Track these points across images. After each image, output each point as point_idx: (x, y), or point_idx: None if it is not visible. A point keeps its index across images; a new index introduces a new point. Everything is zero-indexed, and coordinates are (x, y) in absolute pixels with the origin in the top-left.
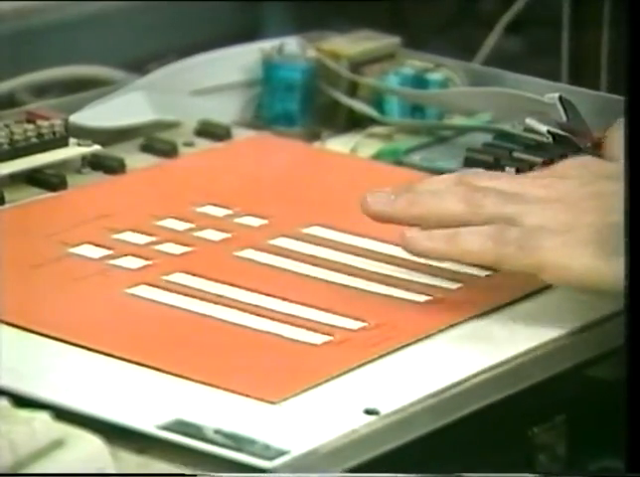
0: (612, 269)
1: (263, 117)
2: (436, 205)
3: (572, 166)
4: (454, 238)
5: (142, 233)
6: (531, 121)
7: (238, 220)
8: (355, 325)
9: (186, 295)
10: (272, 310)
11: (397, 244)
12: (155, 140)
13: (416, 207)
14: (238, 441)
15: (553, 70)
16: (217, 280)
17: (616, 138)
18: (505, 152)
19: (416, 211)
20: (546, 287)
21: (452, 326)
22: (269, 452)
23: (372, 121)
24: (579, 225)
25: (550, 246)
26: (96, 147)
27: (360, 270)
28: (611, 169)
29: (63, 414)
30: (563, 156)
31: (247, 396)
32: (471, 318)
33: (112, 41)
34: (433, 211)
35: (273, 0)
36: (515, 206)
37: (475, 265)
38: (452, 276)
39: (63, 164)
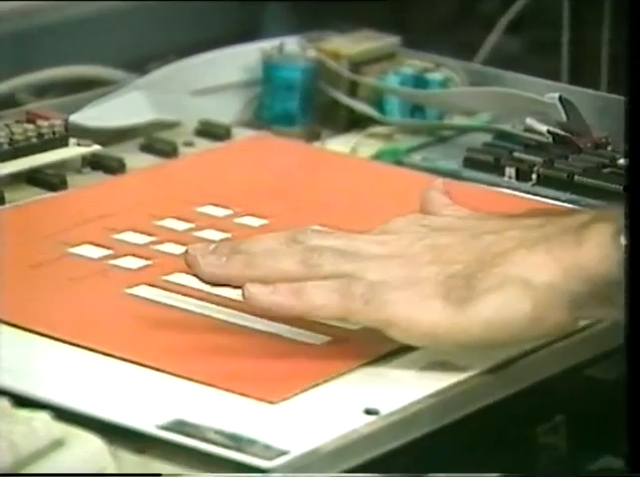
0: (462, 321)
1: (263, 117)
2: (273, 266)
3: (402, 223)
4: (300, 292)
5: (142, 232)
6: (531, 121)
7: (237, 220)
8: (355, 325)
9: (186, 295)
10: None
11: None
12: (155, 140)
13: (253, 269)
14: (238, 441)
15: (553, 70)
16: None
17: (434, 196)
18: (505, 152)
19: (254, 273)
20: None
21: None
22: (269, 452)
23: (372, 121)
24: (421, 278)
25: (396, 301)
26: (96, 147)
27: None
28: (441, 222)
29: (63, 414)
30: (563, 156)
31: (247, 396)
32: None
33: (112, 41)
34: (271, 273)
35: (273, 0)
36: (353, 264)
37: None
38: None
39: (63, 164)
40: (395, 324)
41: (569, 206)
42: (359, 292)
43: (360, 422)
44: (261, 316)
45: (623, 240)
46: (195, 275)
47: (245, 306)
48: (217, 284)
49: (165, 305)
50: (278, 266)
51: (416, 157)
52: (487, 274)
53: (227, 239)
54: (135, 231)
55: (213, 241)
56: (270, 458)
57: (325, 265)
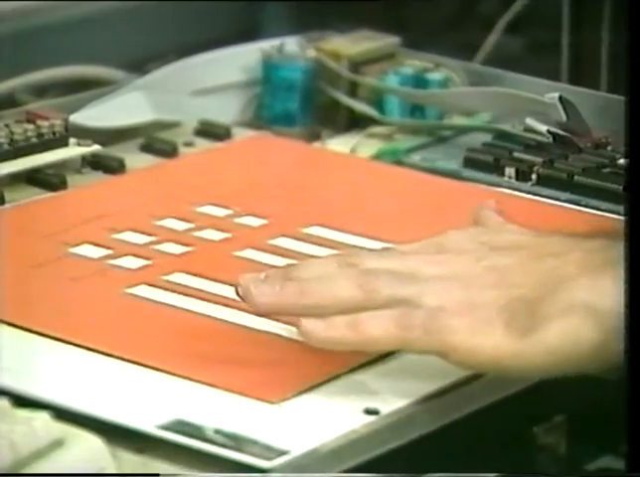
0: (525, 348)
1: (263, 117)
2: (329, 292)
3: (459, 238)
4: (356, 324)
5: (142, 232)
6: (531, 121)
7: (237, 220)
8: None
9: (186, 295)
10: None
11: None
12: (155, 140)
13: (308, 297)
14: (238, 441)
15: (553, 70)
16: (216, 280)
17: (488, 215)
18: (505, 152)
19: (309, 301)
20: None
21: None
22: (269, 452)
23: (372, 121)
24: (482, 303)
25: (456, 328)
26: (96, 147)
27: None
28: (500, 240)
29: (63, 414)
30: (563, 156)
31: (247, 396)
32: None
33: (112, 41)
34: (327, 299)
35: (273, 0)
36: (410, 286)
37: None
38: None
39: (63, 164)
40: (455, 352)
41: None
42: (417, 322)
43: (360, 422)
44: (322, 347)
45: None
46: (249, 306)
47: (302, 339)
48: (272, 314)
49: (165, 305)
50: (334, 293)
51: (416, 157)
52: (551, 300)
53: (227, 240)
54: (135, 231)
55: (263, 269)
56: (270, 458)
57: (383, 289)
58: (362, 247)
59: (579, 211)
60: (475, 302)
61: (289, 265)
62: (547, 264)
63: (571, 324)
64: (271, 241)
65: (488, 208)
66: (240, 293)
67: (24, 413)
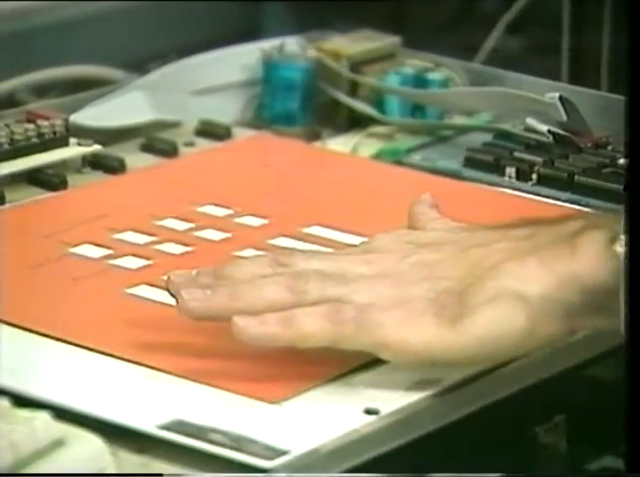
0: (455, 338)
1: (264, 117)
2: (259, 296)
3: (386, 239)
4: (289, 321)
5: (142, 232)
6: (531, 121)
7: (238, 220)
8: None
9: None
10: None
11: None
12: (155, 140)
13: (239, 301)
14: (238, 441)
15: (553, 70)
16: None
17: (420, 212)
18: (505, 152)
19: (240, 305)
20: None
21: None
22: (270, 452)
23: (372, 121)
24: (412, 297)
25: (386, 323)
26: (97, 147)
27: None
28: (427, 237)
29: (63, 414)
30: (564, 156)
31: (248, 396)
32: None
33: (112, 41)
34: (257, 303)
35: (273, 0)
36: (340, 287)
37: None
38: None
39: (63, 164)
40: (387, 346)
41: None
42: (348, 317)
43: (360, 422)
44: (252, 347)
45: (617, 248)
46: (181, 311)
47: (235, 336)
48: (203, 318)
49: (165, 305)
50: (264, 296)
51: (416, 157)
52: (478, 289)
53: (227, 240)
54: (135, 230)
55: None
56: (271, 458)
57: (312, 291)
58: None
59: (580, 211)
60: (404, 297)
61: (220, 265)
62: (473, 255)
63: (500, 311)
64: (271, 241)
65: (423, 203)
66: (172, 291)
67: (24, 413)
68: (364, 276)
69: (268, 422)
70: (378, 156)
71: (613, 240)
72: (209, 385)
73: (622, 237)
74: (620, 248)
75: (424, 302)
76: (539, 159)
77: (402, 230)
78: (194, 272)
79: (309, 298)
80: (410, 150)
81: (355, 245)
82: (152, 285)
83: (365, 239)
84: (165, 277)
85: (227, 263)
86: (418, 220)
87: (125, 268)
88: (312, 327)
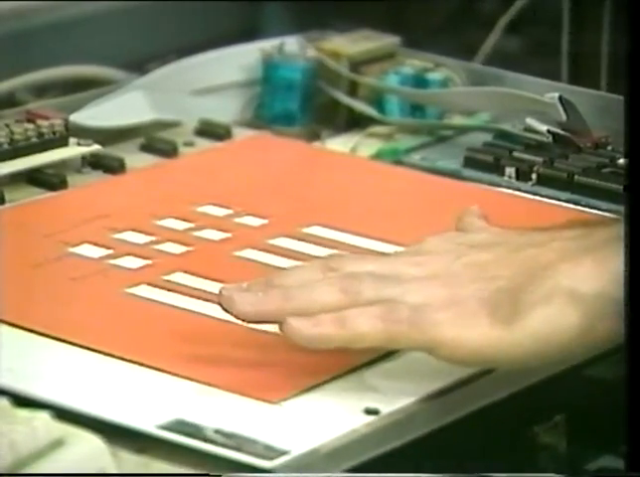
0: (510, 337)
1: (263, 117)
2: (312, 298)
3: (437, 241)
4: (343, 321)
5: (142, 232)
6: (531, 121)
7: (238, 219)
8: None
9: (186, 295)
10: None
11: (397, 244)
12: (155, 140)
13: (292, 302)
14: (238, 441)
15: (553, 70)
16: (217, 280)
17: (470, 222)
18: (505, 152)
19: (293, 306)
20: None
21: None
22: (270, 452)
23: (372, 121)
24: (465, 297)
25: (441, 322)
26: (96, 147)
27: None
28: (478, 239)
29: (63, 414)
30: (563, 156)
31: (248, 396)
32: None
33: (112, 41)
34: (311, 304)
35: (273, 0)
36: (393, 288)
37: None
38: None
39: (63, 164)
40: (442, 344)
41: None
42: (403, 316)
43: (360, 422)
44: (308, 345)
45: None
46: (233, 315)
47: (289, 338)
48: (256, 321)
49: (165, 305)
50: (318, 297)
51: (416, 157)
52: (533, 288)
53: (227, 239)
54: (135, 230)
55: (264, 269)
56: (271, 458)
57: (366, 292)
58: (361, 248)
59: (579, 211)
60: (458, 297)
61: (271, 274)
62: (526, 254)
63: (555, 310)
64: (271, 241)
65: (471, 214)
66: (223, 304)
67: (24, 413)
68: (417, 277)
69: (268, 422)
70: (377, 156)
71: None
72: (209, 385)
73: None
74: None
75: (478, 301)
76: (538, 159)
77: (453, 232)
78: (245, 285)
79: (363, 299)
80: (410, 150)
81: (404, 250)
82: (152, 285)
83: (418, 243)
84: (217, 292)
85: (278, 272)
86: (467, 229)
87: (125, 268)
88: (366, 327)
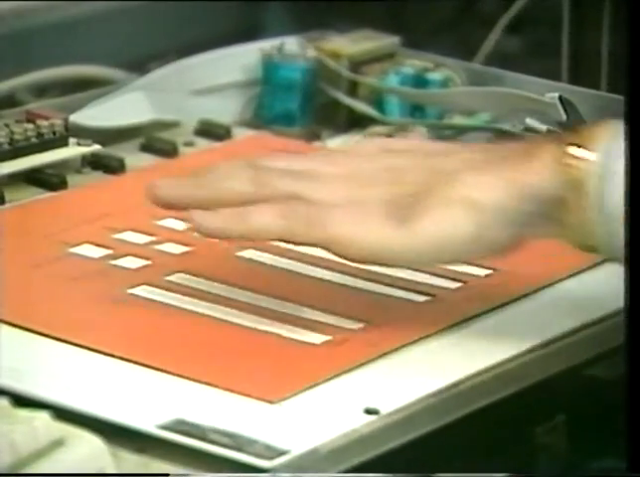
0: (403, 237)
1: (263, 117)
2: (223, 186)
3: (364, 144)
4: (243, 215)
5: (142, 232)
6: (531, 121)
7: None
8: (355, 325)
9: (186, 295)
10: (272, 310)
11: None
12: (155, 140)
13: (203, 190)
14: (238, 441)
15: (553, 70)
16: (217, 280)
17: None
18: None
19: (203, 193)
20: (544, 287)
21: (452, 326)
22: (269, 452)
23: (372, 121)
24: (369, 198)
25: (339, 220)
26: (96, 147)
27: (360, 270)
28: (400, 145)
29: (63, 414)
30: None
31: (247, 395)
32: (471, 318)
33: (112, 41)
34: (220, 192)
35: (273, 0)
36: (301, 183)
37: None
38: (451, 276)
39: (63, 164)
40: (337, 242)
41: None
42: (302, 213)
43: (360, 422)
44: (208, 237)
45: (569, 160)
46: (150, 199)
47: (192, 229)
48: (169, 207)
49: (165, 305)
50: (227, 186)
51: None
52: (432, 193)
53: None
54: (135, 231)
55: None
56: (271, 458)
57: (273, 184)
58: None
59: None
60: (361, 197)
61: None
62: (435, 162)
63: (449, 215)
64: (272, 241)
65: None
66: (146, 192)
67: (24, 413)
68: (329, 175)
69: (268, 422)
70: None
71: (566, 153)
72: (209, 384)
73: (576, 149)
74: (572, 161)
75: (379, 203)
76: None
77: (382, 138)
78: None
79: (271, 191)
80: None
81: (332, 149)
82: (152, 285)
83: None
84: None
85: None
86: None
87: (125, 268)
88: (266, 221)
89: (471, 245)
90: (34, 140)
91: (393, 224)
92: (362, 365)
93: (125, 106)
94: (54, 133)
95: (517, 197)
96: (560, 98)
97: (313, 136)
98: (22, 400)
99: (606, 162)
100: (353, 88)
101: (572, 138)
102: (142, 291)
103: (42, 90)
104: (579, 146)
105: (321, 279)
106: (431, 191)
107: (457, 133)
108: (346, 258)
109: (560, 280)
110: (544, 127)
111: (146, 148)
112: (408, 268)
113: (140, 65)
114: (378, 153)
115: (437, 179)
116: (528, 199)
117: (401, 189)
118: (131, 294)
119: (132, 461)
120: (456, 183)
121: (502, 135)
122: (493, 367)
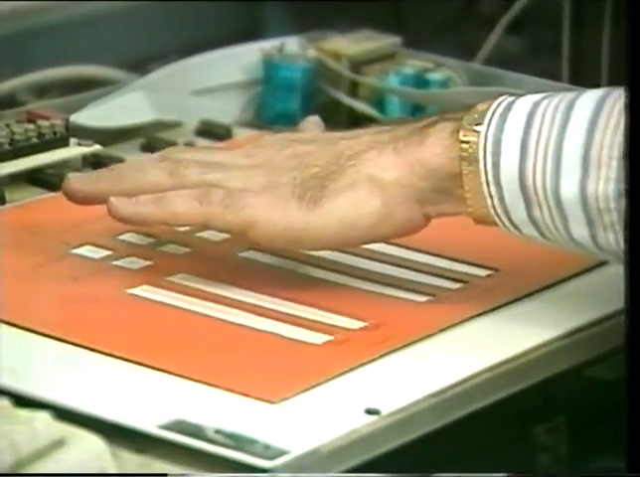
0: (315, 220)
1: (264, 117)
2: (140, 179)
3: (271, 138)
4: (161, 200)
5: (143, 233)
6: None
7: None
8: (355, 325)
9: (187, 295)
10: (272, 310)
11: (395, 245)
12: (155, 140)
13: (121, 183)
14: (238, 441)
15: (553, 70)
16: (218, 280)
17: (308, 127)
18: None
19: (122, 186)
20: (545, 287)
21: (452, 326)
22: (270, 452)
23: (372, 121)
24: (280, 183)
25: (255, 204)
26: (97, 147)
27: (360, 270)
28: (305, 136)
29: (63, 414)
30: None
31: (248, 395)
32: (471, 318)
33: (112, 41)
34: (138, 185)
35: (273, 0)
36: (217, 173)
37: (187, 226)
38: (452, 276)
39: (63, 164)
40: (253, 226)
41: None
42: (218, 198)
43: (360, 422)
44: (126, 223)
45: (460, 136)
46: (65, 194)
47: (110, 214)
48: (87, 202)
49: (166, 305)
50: (145, 178)
51: None
52: (339, 175)
53: (228, 240)
54: (136, 231)
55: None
56: (271, 458)
57: (190, 175)
58: (363, 248)
59: None
60: (274, 183)
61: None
62: (339, 146)
63: (357, 195)
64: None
65: (310, 122)
66: (62, 186)
67: (24, 413)
68: (242, 166)
69: (268, 422)
70: None
71: (459, 129)
72: (209, 384)
73: (468, 125)
74: (465, 136)
75: (290, 187)
76: None
77: (289, 133)
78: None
79: (187, 182)
80: None
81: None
82: (153, 286)
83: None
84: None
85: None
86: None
87: (126, 269)
88: (183, 207)
89: (380, 224)
90: (35, 140)
91: (304, 207)
92: (362, 365)
93: (126, 106)
94: (54, 133)
95: (416, 174)
96: None
97: None
98: (22, 401)
99: (497, 135)
100: (353, 89)
101: (466, 114)
102: (143, 291)
103: (42, 91)
104: (473, 122)
105: (321, 279)
106: (337, 172)
107: None
108: (262, 243)
109: (561, 281)
110: None
111: (147, 148)
112: (409, 269)
113: (141, 65)
114: (285, 143)
115: (342, 161)
116: (426, 176)
117: (309, 172)
118: (132, 294)
119: (133, 461)
120: (359, 164)
121: None
122: (493, 367)
